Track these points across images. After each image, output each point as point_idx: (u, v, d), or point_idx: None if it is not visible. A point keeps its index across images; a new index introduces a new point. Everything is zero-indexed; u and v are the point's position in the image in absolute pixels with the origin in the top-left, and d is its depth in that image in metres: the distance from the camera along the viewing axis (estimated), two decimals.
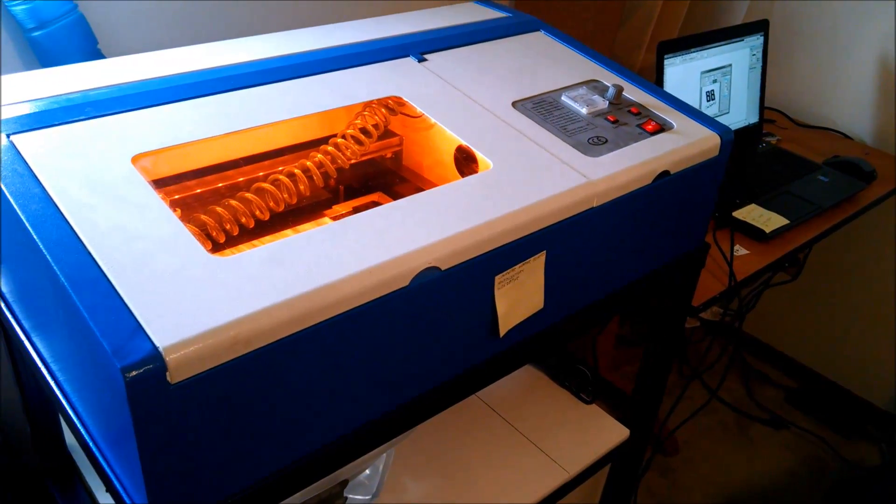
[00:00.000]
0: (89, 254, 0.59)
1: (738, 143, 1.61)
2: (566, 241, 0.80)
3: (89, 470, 1.02)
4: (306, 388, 0.62)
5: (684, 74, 1.46)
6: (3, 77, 0.77)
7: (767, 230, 1.29)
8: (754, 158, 1.57)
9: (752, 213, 1.34)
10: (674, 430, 1.74)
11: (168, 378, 0.53)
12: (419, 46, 0.97)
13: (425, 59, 0.95)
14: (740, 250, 1.28)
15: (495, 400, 1.20)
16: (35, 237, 0.60)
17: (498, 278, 0.74)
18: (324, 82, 0.87)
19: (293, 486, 0.67)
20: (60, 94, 0.76)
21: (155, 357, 0.52)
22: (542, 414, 1.19)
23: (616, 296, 0.93)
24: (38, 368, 0.72)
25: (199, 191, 0.84)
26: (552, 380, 1.27)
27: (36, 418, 0.99)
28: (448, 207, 0.72)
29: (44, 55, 1.14)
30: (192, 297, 0.57)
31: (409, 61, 0.94)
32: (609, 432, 1.18)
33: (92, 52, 1.16)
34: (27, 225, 0.61)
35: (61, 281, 0.57)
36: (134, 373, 0.51)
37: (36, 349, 0.74)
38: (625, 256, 0.90)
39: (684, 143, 0.90)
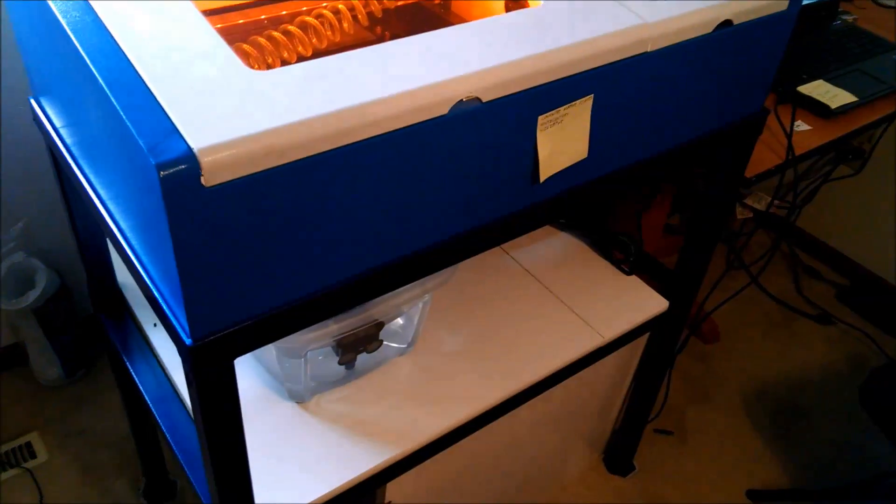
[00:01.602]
0: (128, 60, 0.59)
1: (811, 17, 1.50)
2: (615, 87, 0.76)
3: (138, 305, 1.06)
4: (338, 209, 0.62)
5: None
6: None
7: (833, 106, 1.23)
8: (827, 36, 1.47)
9: (819, 89, 1.26)
10: (710, 312, 1.72)
11: (202, 181, 0.53)
12: None
13: None
14: (802, 126, 1.22)
15: (534, 265, 1.20)
16: (74, 41, 0.60)
17: (541, 119, 0.72)
18: None
19: (323, 311, 0.68)
20: None
21: (189, 157, 0.52)
22: (581, 281, 1.19)
23: (665, 156, 0.90)
24: (92, 201, 0.74)
25: (241, 21, 0.82)
26: (594, 250, 1.26)
27: (89, 257, 1.02)
28: (493, 40, 0.69)
29: None
30: (228, 105, 0.57)
31: None
32: (647, 303, 1.17)
33: None
34: (69, 32, 0.60)
35: (101, 85, 0.57)
36: (169, 171, 0.52)
37: (89, 182, 0.75)
38: (677, 113, 0.87)
39: None
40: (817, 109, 1.24)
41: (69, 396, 1.53)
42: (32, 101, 0.86)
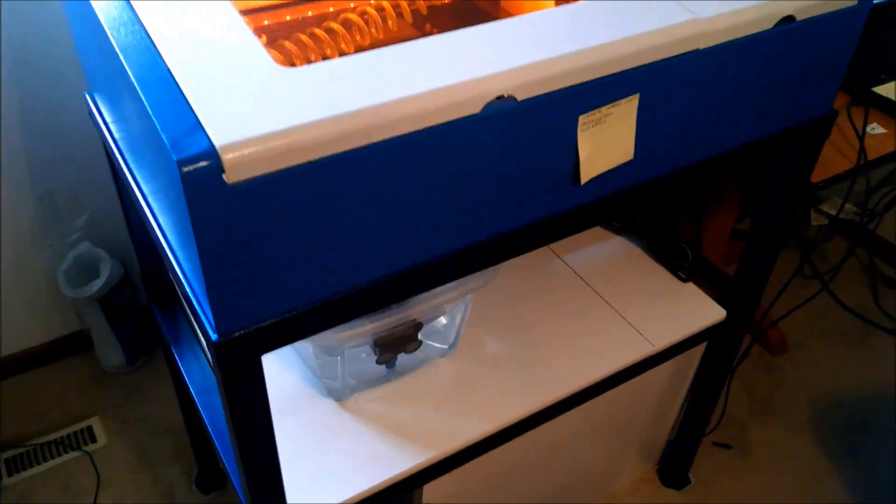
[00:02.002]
0: (160, 56, 0.59)
1: (888, 13, 1.41)
2: (664, 86, 0.73)
3: None
4: (364, 208, 0.61)
5: None
6: None
7: None
8: None
9: None
10: (777, 321, 1.64)
11: (225, 178, 0.53)
12: None
13: None
14: (876, 129, 1.15)
15: (585, 268, 1.17)
16: (109, 34, 0.60)
17: (582, 118, 0.69)
18: None
19: (352, 311, 0.67)
20: None
21: (211, 154, 0.52)
22: (634, 287, 1.15)
23: (720, 159, 0.85)
24: (135, 194, 0.75)
25: (288, 18, 0.82)
26: (649, 255, 1.21)
27: (142, 248, 1.05)
28: (533, 35, 0.67)
29: None
30: (255, 101, 0.56)
31: None
32: (704, 311, 1.13)
33: None
34: (105, 28, 0.61)
35: (131, 80, 0.57)
36: (190, 167, 0.52)
37: (133, 176, 0.76)
38: (733, 114, 0.82)
39: None
40: (894, 111, 1.17)
41: (130, 383, 1.58)
42: (87, 97, 0.89)
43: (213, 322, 0.61)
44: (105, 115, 0.84)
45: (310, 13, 0.85)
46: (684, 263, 1.17)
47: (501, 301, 1.11)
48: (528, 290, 1.13)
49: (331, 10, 0.86)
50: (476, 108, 0.62)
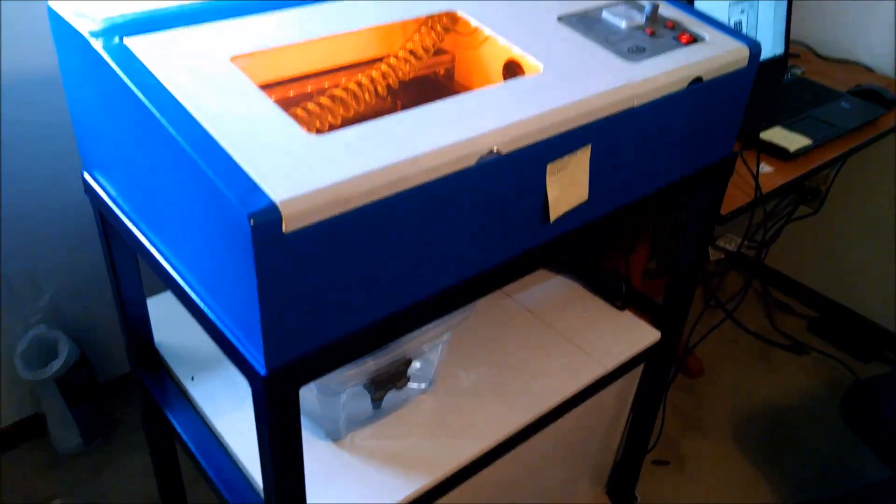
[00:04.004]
0: (206, 130, 0.69)
1: (765, 72, 1.67)
2: (609, 138, 0.89)
3: (174, 360, 1.13)
4: (392, 247, 0.72)
5: (713, 4, 1.52)
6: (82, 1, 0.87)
7: (791, 149, 1.37)
8: (780, 88, 1.64)
9: (777, 135, 1.41)
10: (693, 347, 1.83)
11: (283, 228, 0.63)
12: None
13: None
14: (766, 168, 1.36)
15: (536, 306, 1.30)
16: (159, 117, 0.70)
17: (550, 166, 0.84)
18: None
19: (377, 340, 0.77)
20: (160, 7, 0.86)
21: (272, 209, 0.62)
22: (579, 318, 1.29)
23: (653, 196, 1.02)
24: (152, 256, 0.83)
25: (274, 98, 0.93)
26: (588, 290, 1.36)
27: (130, 317, 1.10)
28: (507, 101, 0.81)
29: None
30: (296, 163, 0.67)
31: None
32: (642, 334, 1.28)
33: None
34: (151, 107, 0.71)
35: (187, 152, 0.67)
36: (258, 221, 0.61)
37: (155, 246, 0.84)
38: (661, 158, 0.99)
39: (716, 53, 0.98)
40: (778, 153, 1.39)
41: (88, 464, 1.57)
42: (85, 174, 0.96)
43: (261, 359, 0.70)
44: (109, 190, 0.91)
45: (292, 93, 0.96)
46: (619, 294, 1.32)
47: (467, 339, 1.22)
48: (489, 327, 1.25)
49: (326, 84, 0.98)
50: (472, 161, 0.75)
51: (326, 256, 0.68)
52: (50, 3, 0.85)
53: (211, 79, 0.75)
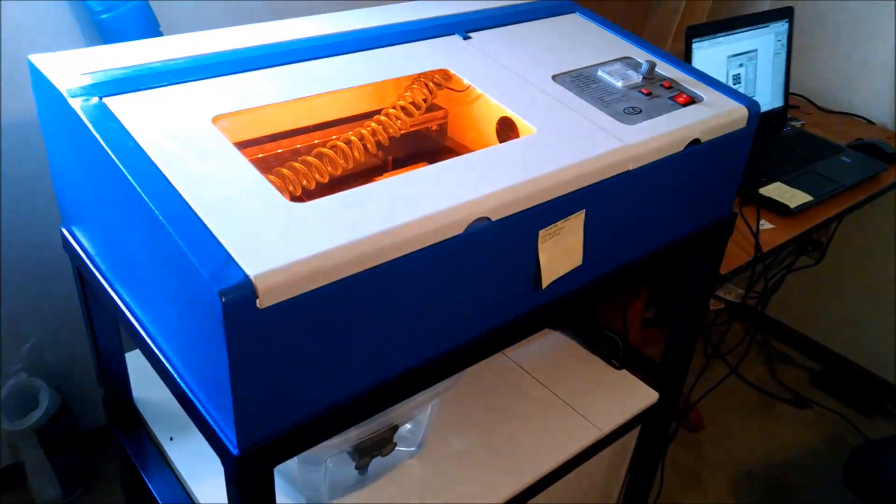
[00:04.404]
0: (182, 198, 0.66)
1: (764, 125, 1.65)
2: (604, 202, 0.86)
3: (154, 419, 1.09)
4: (374, 320, 0.69)
5: (711, 58, 1.51)
6: (89, 49, 0.85)
7: (792, 206, 1.35)
8: (779, 141, 1.62)
9: (777, 191, 1.39)
10: (696, 403, 1.79)
11: (258, 303, 0.60)
12: (464, 25, 1.04)
13: (469, 38, 1.02)
14: (766, 225, 1.33)
15: (530, 364, 1.27)
16: (134, 183, 0.67)
17: (542, 232, 0.81)
18: (378, 56, 0.93)
19: (357, 415, 0.74)
20: (143, 64, 0.84)
21: (246, 284, 0.59)
22: (575, 378, 1.25)
23: (650, 258, 0.99)
24: (129, 321, 0.80)
25: (260, 156, 0.91)
26: (584, 347, 1.33)
27: (107, 373, 1.06)
28: (497, 165, 0.78)
29: (109, 37, 1.22)
30: (275, 234, 0.64)
31: (455, 39, 1.01)
32: (639, 395, 1.24)
33: (154, 34, 1.24)
34: (125, 172, 0.68)
35: (160, 220, 0.64)
36: (230, 296, 0.58)
37: (125, 303, 0.81)
38: (658, 220, 0.96)
39: (714, 114, 0.96)
40: (778, 209, 1.36)
41: None
42: (64, 231, 0.93)
43: (234, 438, 0.66)
44: (88, 248, 0.88)
45: (279, 150, 0.94)
46: (616, 353, 1.29)
47: (458, 399, 1.18)
48: (481, 386, 1.21)
49: (299, 146, 0.95)
50: (460, 229, 0.72)
51: (305, 331, 0.64)
52: (31, 57, 0.83)
53: (191, 141, 0.73)
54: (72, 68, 0.81)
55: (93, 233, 0.86)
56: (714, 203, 1.05)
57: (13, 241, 1.34)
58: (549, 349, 1.31)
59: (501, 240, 0.77)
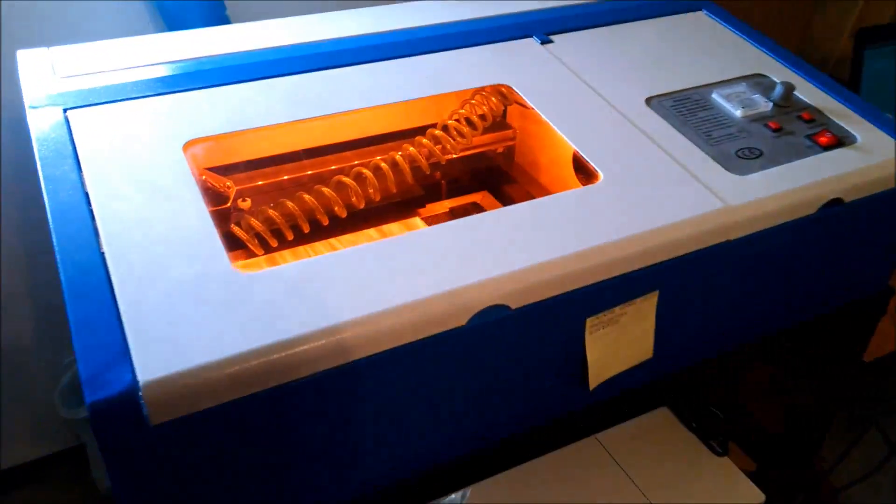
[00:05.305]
0: (99, 251, 0.52)
1: None
2: (689, 281, 0.64)
3: None
4: (325, 442, 0.52)
5: (891, 73, 1.19)
6: (62, 48, 0.73)
7: None
8: None
9: None
10: (840, 490, 1.48)
11: (149, 418, 0.45)
12: (545, 25, 0.83)
13: (550, 41, 0.81)
14: None
15: (608, 439, 1.05)
16: (49, 219, 0.54)
17: (590, 321, 0.60)
18: (423, 64, 0.75)
19: None
20: (135, 66, 0.71)
21: (130, 393, 0.44)
22: (662, 462, 1.02)
23: (757, 345, 0.75)
24: None
25: (260, 182, 0.75)
26: (677, 418, 1.09)
27: None
28: (530, 230, 0.58)
29: (171, 19, 1.12)
30: (197, 320, 0.48)
31: (531, 43, 0.81)
32: (740, 494, 0.99)
33: (220, 17, 1.13)
34: (49, 215, 0.55)
35: (62, 284, 0.50)
36: (101, 409, 0.43)
37: None
38: (772, 301, 0.72)
39: (867, 164, 0.70)
40: None
41: None
42: None
43: None
44: None
45: (285, 177, 0.77)
46: (717, 434, 1.04)
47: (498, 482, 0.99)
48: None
49: (310, 172, 0.78)
50: (462, 321, 0.53)
51: (218, 455, 0.49)
52: (19, 53, 0.72)
53: (146, 171, 0.59)
54: (55, 68, 0.69)
55: None
56: (858, 279, 0.79)
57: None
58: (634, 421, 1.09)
59: (527, 333, 0.57)
